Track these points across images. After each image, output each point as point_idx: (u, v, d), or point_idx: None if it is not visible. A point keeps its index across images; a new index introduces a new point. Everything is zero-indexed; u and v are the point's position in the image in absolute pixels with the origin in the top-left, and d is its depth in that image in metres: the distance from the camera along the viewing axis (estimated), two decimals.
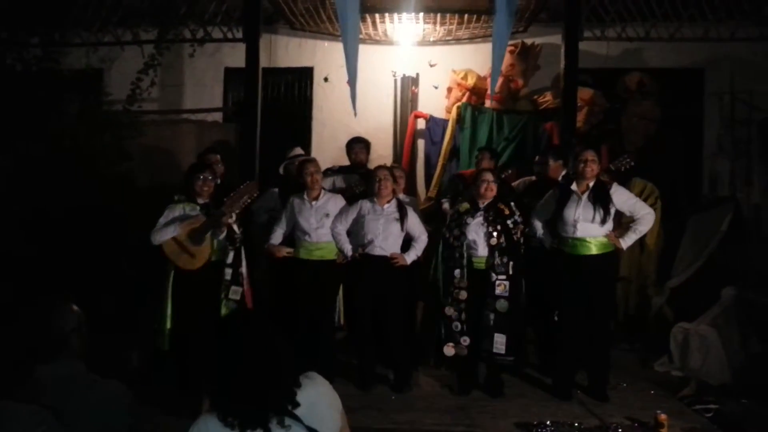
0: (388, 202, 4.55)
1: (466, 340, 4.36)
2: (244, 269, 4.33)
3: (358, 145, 5.52)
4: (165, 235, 4.12)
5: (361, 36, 6.05)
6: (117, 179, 5.51)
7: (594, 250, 4.28)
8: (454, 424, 3.96)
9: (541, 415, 4.02)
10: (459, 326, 4.37)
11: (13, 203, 5.02)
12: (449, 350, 4.39)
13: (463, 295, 4.36)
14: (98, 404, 1.95)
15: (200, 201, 4.26)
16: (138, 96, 5.94)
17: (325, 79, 7.24)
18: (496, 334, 4.30)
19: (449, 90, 6.97)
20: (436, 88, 7.12)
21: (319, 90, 7.32)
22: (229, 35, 6.23)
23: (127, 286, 4.88)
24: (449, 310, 4.40)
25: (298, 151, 5.44)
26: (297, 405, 1.76)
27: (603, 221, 4.23)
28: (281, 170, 5.32)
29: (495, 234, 4.33)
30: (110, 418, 1.95)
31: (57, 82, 5.75)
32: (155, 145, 6.11)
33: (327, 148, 7.00)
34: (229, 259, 4.24)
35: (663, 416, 3.76)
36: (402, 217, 4.51)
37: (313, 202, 4.58)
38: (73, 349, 2.02)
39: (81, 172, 5.30)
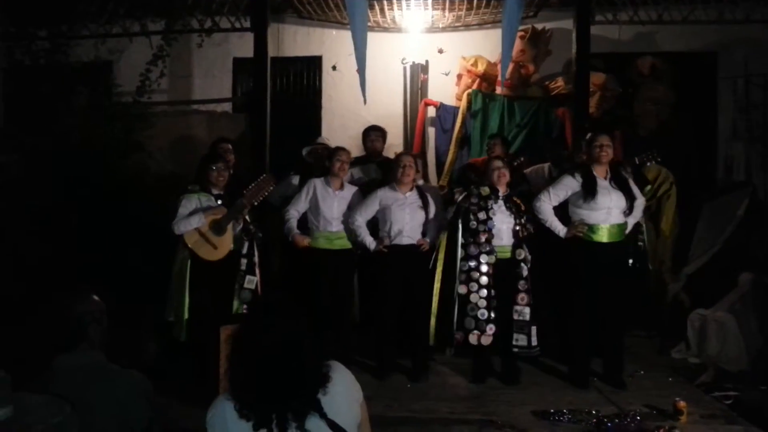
0: (410, 189, 4.51)
1: (492, 329, 4.30)
2: (256, 259, 4.33)
3: (374, 133, 5.49)
4: (189, 225, 4.13)
5: (369, 23, 5.99)
6: (127, 171, 5.51)
7: (619, 237, 4.26)
8: (470, 413, 3.93)
9: (558, 403, 3.99)
10: (486, 314, 4.30)
11: (23, 198, 5.02)
12: (474, 338, 4.32)
13: (488, 281, 4.30)
14: (117, 394, 1.94)
15: (214, 191, 4.25)
16: (147, 87, 5.94)
17: (334, 68, 7.18)
18: (533, 327, 4.29)
19: (459, 77, 6.90)
20: (446, 75, 7.05)
21: (328, 79, 7.26)
22: (237, 25, 6.18)
23: (139, 278, 4.87)
24: (474, 297, 4.32)
25: (324, 139, 5.48)
26: (320, 408, 1.69)
27: (631, 207, 4.23)
28: (304, 153, 5.29)
29: (519, 226, 4.31)
30: (129, 407, 1.94)
31: (66, 75, 5.75)
32: (165, 136, 6.10)
33: (337, 136, 6.92)
34: (245, 250, 4.26)
35: (682, 403, 3.74)
36: (426, 205, 4.47)
37: (337, 191, 4.55)
38: (92, 339, 2.01)
39: (91, 164, 5.29)
